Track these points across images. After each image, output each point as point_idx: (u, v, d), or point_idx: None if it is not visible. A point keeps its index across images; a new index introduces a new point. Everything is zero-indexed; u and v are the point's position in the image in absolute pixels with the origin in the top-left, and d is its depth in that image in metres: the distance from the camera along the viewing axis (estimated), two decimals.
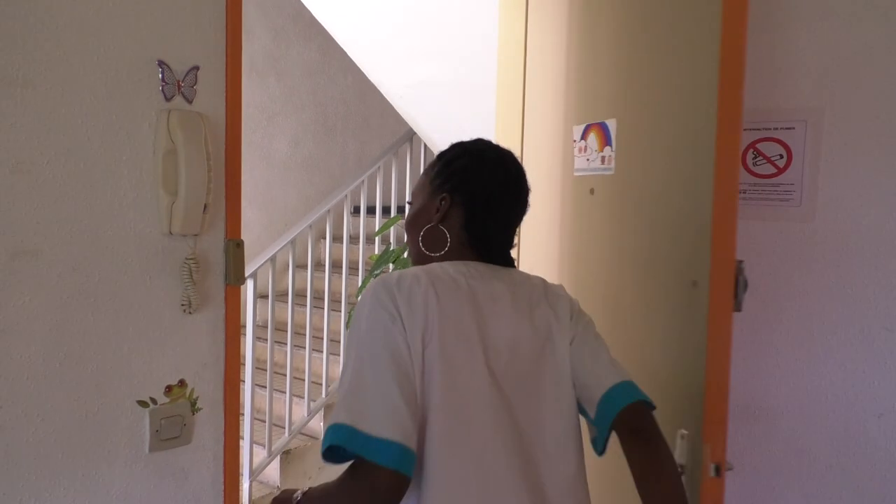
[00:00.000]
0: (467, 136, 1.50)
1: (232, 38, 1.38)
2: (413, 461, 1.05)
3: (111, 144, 1.23)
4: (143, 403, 1.29)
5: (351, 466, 1.08)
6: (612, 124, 1.72)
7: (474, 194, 1.32)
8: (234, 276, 1.40)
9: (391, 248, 3.92)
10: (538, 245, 2.04)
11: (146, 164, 1.27)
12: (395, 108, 3.82)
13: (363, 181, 4.27)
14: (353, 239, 4.49)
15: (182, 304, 1.32)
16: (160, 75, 1.27)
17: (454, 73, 3.36)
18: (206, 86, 1.34)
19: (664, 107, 1.57)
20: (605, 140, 1.72)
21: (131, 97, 1.25)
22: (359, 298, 1.22)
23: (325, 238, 4.23)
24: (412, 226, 1.39)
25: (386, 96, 3.77)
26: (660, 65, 1.58)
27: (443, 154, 1.40)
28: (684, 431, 1.44)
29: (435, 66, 3.44)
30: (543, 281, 1.39)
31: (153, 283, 1.30)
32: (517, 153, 1.56)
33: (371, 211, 4.64)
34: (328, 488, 1.14)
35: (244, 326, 3.68)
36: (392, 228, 4.26)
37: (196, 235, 1.33)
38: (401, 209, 4.50)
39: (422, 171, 4.64)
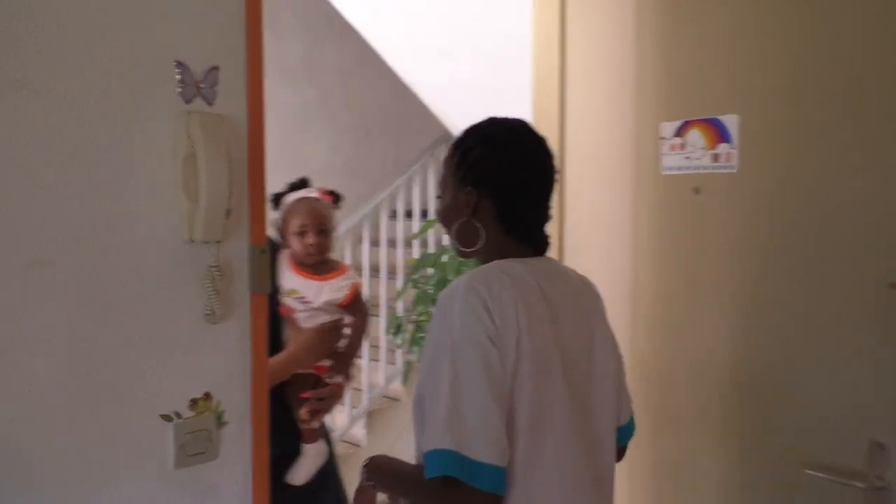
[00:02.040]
0: None
1: (252, 36, 1.33)
2: (506, 479, 1.11)
3: (126, 149, 1.18)
4: (166, 418, 1.24)
5: (447, 484, 1.10)
6: (730, 120, 1.68)
7: (497, 184, 1.31)
8: (260, 284, 1.35)
9: (430, 252, 3.86)
10: (596, 244, 1.96)
11: (164, 168, 1.22)
12: (430, 108, 3.77)
13: (399, 185, 4.22)
14: (392, 243, 4.44)
15: (206, 314, 1.27)
16: (178, 76, 1.22)
17: (487, 72, 3.29)
18: (227, 86, 1.29)
19: (835, 101, 1.53)
20: (720, 137, 1.70)
21: (147, 99, 1.20)
22: (442, 298, 1.22)
23: (362, 242, 4.19)
24: (445, 221, 1.39)
25: (420, 97, 3.72)
26: (825, 55, 1.54)
27: (458, 143, 1.38)
28: (881, 440, 1.42)
29: (468, 65, 3.37)
30: (577, 273, 1.40)
31: (175, 292, 1.25)
32: (556, 152, 1.53)
33: (409, 214, 4.58)
34: (414, 490, 1.21)
35: None
36: (431, 231, 4.20)
37: (219, 242, 1.28)
38: None
39: None
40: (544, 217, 1.36)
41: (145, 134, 1.20)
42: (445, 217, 1.39)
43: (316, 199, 1.96)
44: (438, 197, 1.44)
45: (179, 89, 1.23)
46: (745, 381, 1.64)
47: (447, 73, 3.46)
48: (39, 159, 1.10)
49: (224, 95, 1.29)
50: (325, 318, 1.93)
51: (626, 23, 1.88)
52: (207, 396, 1.29)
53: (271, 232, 1.71)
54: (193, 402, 1.28)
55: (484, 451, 1.08)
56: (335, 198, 2.01)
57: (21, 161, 1.09)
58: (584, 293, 1.35)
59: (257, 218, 1.35)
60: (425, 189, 4.47)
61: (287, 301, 1.93)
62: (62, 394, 1.14)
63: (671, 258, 1.80)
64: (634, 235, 1.87)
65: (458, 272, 3.50)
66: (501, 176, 1.31)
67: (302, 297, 1.92)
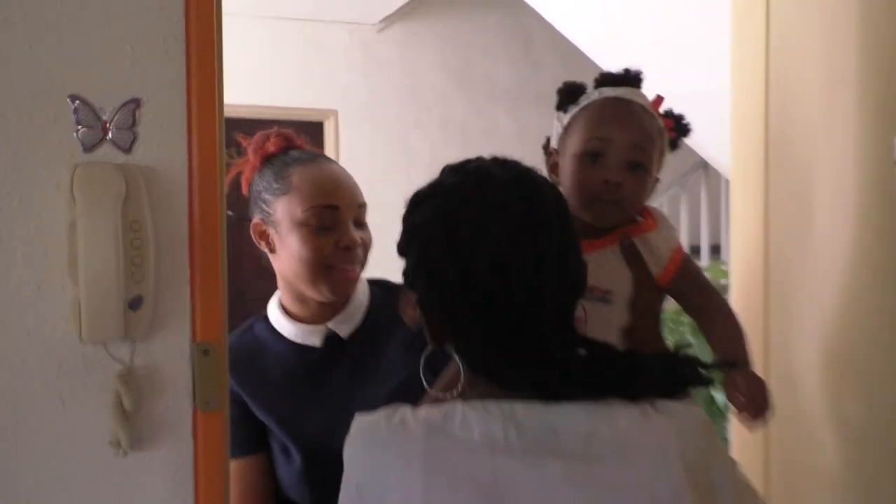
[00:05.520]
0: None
1: (199, 57, 0.96)
2: None
3: (3, 217, 0.88)
4: None
5: None
6: None
7: (431, 295, 0.85)
8: (202, 398, 0.96)
9: None
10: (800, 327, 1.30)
11: (53, 242, 0.90)
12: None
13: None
14: None
15: (110, 442, 0.92)
16: (73, 115, 0.90)
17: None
18: (156, 127, 0.94)
19: None
20: None
21: (27, 150, 0.89)
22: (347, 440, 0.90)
23: None
24: None
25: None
26: None
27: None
28: None
29: (709, 73, 2.70)
30: (670, 437, 0.76)
31: (68, 409, 0.91)
32: (759, 181, 0.98)
33: None
34: None
35: None
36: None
37: (134, 342, 0.93)
38: (694, 249, 3.72)
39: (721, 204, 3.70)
40: (532, 343, 0.81)
41: (22, 197, 0.89)
42: None
43: (635, 105, 1.15)
44: None
45: (76, 132, 0.90)
46: None
47: (682, 82, 2.80)
48: None
49: (152, 139, 0.94)
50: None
51: None
52: None
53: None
54: None
55: None
56: (675, 122, 1.19)
57: None
58: (647, 482, 0.74)
59: (209, 306, 0.97)
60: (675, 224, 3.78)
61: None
62: None
63: None
64: (860, 322, 1.17)
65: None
66: (434, 285, 0.84)
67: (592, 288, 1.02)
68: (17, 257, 0.89)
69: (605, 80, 1.20)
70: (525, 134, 5.12)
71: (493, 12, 5.03)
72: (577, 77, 4.72)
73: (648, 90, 3.04)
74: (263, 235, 1.33)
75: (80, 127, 0.90)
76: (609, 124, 1.13)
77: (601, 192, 1.10)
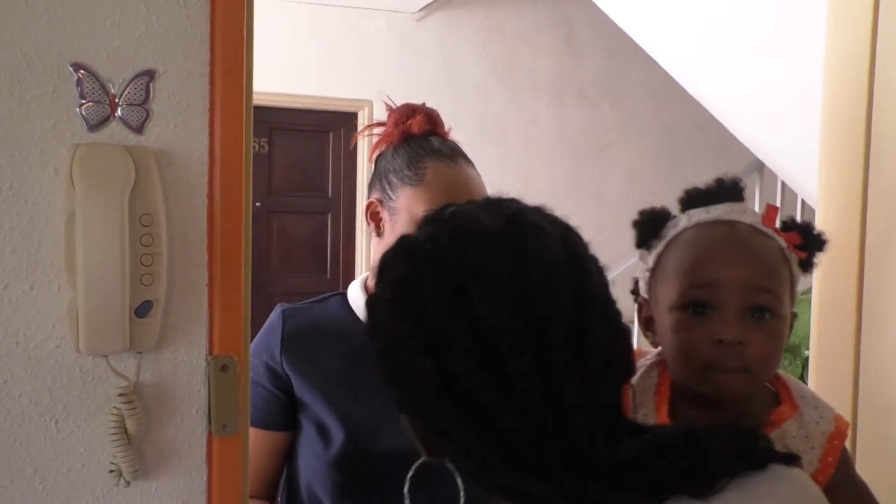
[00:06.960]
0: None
1: (226, 22, 0.82)
2: None
3: None
4: None
5: None
6: None
7: (408, 402, 0.70)
8: (218, 420, 0.83)
9: None
10: None
11: (49, 235, 0.77)
12: (728, 127, 2.93)
13: None
14: None
15: (110, 471, 0.79)
16: (76, 88, 0.77)
17: (806, 72, 2.39)
18: (173, 104, 0.80)
19: None
20: None
21: (21, 128, 0.76)
22: None
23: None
24: None
25: (713, 113, 2.91)
26: None
27: None
28: None
29: (781, 64, 2.50)
30: None
31: (61, 430, 0.79)
32: (854, 195, 0.84)
33: None
34: None
35: None
36: None
37: (141, 354, 0.79)
38: None
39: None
40: (563, 450, 0.62)
41: (13, 183, 0.76)
42: None
43: (741, 228, 0.89)
44: None
45: (78, 108, 0.77)
46: None
47: (749, 77, 2.61)
48: None
49: (166, 118, 0.80)
50: None
51: None
52: None
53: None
54: None
55: None
56: (802, 235, 0.91)
57: None
58: None
59: (228, 314, 0.84)
60: None
61: None
62: None
63: None
64: None
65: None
66: (407, 388, 0.68)
67: None
68: (5, 253, 0.76)
69: (693, 198, 0.92)
70: (565, 129, 4.96)
71: (537, 1, 4.86)
72: (622, 71, 4.55)
73: (707, 83, 2.84)
74: (375, 217, 1.26)
75: (83, 101, 0.77)
76: (712, 262, 0.87)
77: (718, 356, 0.85)
